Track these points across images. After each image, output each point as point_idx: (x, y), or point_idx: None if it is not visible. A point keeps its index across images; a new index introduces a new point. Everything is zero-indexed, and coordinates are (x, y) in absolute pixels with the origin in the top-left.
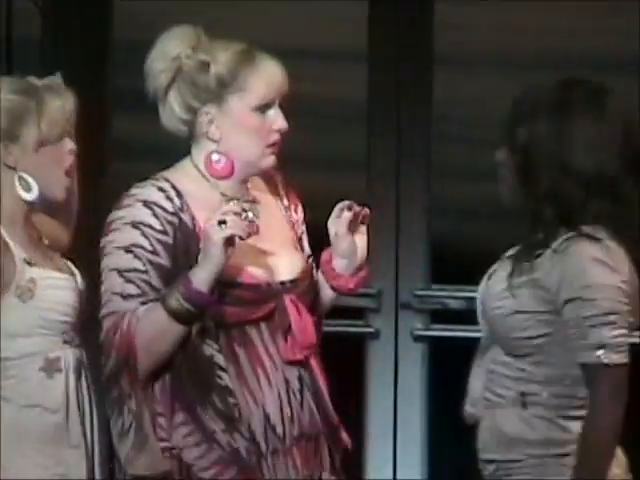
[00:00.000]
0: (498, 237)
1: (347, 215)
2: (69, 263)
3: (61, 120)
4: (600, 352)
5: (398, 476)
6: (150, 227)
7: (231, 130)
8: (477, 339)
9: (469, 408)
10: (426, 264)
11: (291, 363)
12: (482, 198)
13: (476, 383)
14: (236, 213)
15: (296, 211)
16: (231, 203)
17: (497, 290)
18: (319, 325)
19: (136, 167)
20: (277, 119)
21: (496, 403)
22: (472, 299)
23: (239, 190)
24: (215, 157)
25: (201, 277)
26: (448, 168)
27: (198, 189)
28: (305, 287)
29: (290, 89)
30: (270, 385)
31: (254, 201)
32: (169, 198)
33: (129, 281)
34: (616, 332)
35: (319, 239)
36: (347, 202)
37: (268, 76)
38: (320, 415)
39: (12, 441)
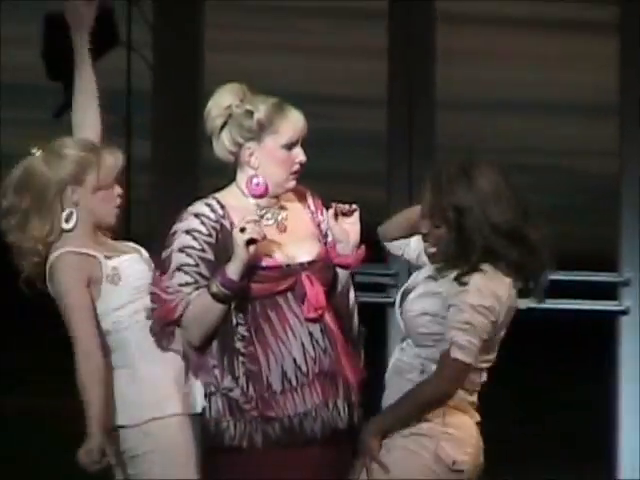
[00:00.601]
0: None
1: (330, 212)
2: (131, 244)
3: (113, 172)
4: (452, 347)
5: None
6: (199, 232)
7: (265, 161)
8: None
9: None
10: None
11: (309, 320)
12: None
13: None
14: (254, 221)
15: (321, 214)
16: (265, 214)
17: (411, 297)
18: (347, 295)
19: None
20: (299, 154)
21: (406, 370)
22: None
23: (268, 202)
24: (255, 180)
25: (232, 269)
26: None
27: (238, 203)
28: (319, 266)
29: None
30: (295, 337)
31: (282, 208)
32: (213, 210)
33: (186, 273)
34: (466, 337)
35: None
36: (333, 204)
37: (294, 122)
38: (334, 357)
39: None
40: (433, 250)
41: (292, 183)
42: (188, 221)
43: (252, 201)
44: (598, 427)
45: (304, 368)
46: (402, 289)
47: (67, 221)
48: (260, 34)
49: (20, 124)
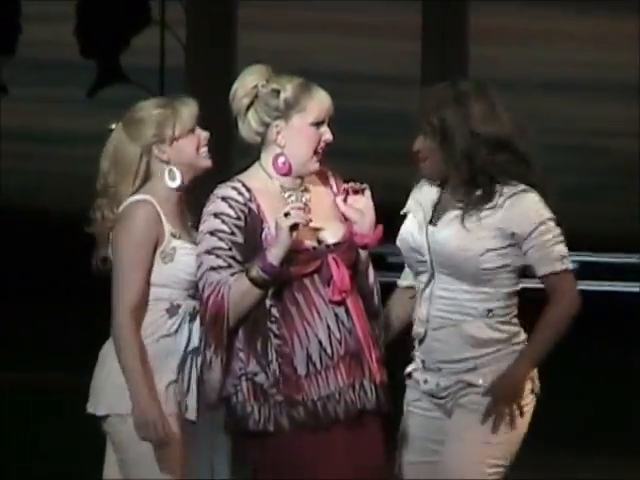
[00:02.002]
0: None
1: (340, 194)
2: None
3: (190, 121)
4: (564, 261)
5: None
6: (228, 215)
7: (293, 139)
8: None
9: (417, 328)
10: None
11: (334, 302)
12: None
13: (420, 310)
14: (299, 208)
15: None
16: (289, 196)
17: (459, 236)
18: (366, 274)
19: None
20: (326, 133)
21: (460, 320)
22: None
23: (293, 183)
24: (281, 159)
25: (274, 254)
26: None
27: (263, 185)
28: (345, 248)
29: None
30: (321, 318)
31: (306, 190)
32: (240, 193)
33: (218, 257)
34: (565, 247)
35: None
36: (344, 185)
37: (321, 101)
38: (359, 337)
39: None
40: (425, 164)
41: (316, 165)
42: (216, 204)
43: (277, 182)
44: None
45: (329, 350)
46: (414, 232)
47: (172, 179)
48: (293, 13)
49: (54, 101)
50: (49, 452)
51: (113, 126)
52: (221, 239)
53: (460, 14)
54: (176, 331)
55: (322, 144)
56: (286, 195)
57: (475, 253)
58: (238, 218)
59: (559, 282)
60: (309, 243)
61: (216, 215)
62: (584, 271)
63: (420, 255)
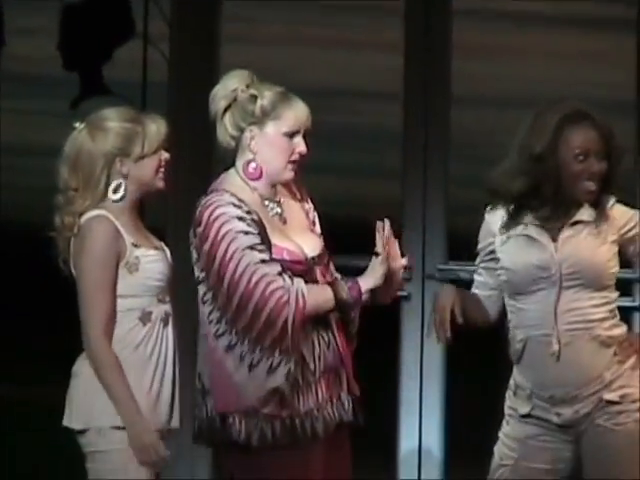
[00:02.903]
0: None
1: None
2: (161, 243)
3: (158, 139)
4: None
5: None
6: (243, 219)
7: (265, 147)
8: None
9: (555, 346)
10: (445, 246)
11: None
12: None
13: (554, 326)
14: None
15: (307, 202)
16: (262, 202)
17: (591, 246)
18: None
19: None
20: (300, 144)
21: (590, 327)
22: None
23: (270, 192)
24: (252, 165)
25: (366, 285)
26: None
27: (247, 196)
28: (325, 260)
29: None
30: (306, 333)
31: (279, 201)
32: (240, 207)
33: (261, 251)
34: None
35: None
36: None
37: (297, 112)
38: (338, 352)
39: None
40: (594, 188)
41: (290, 174)
42: (226, 210)
43: (256, 193)
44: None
45: (312, 366)
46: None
47: (115, 192)
48: (276, 28)
49: (37, 115)
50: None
51: (77, 125)
52: (256, 236)
53: (443, 29)
54: (150, 339)
55: (295, 155)
56: (266, 203)
57: (603, 259)
58: (254, 221)
59: None
60: (300, 253)
61: (240, 218)
62: None
63: (545, 271)
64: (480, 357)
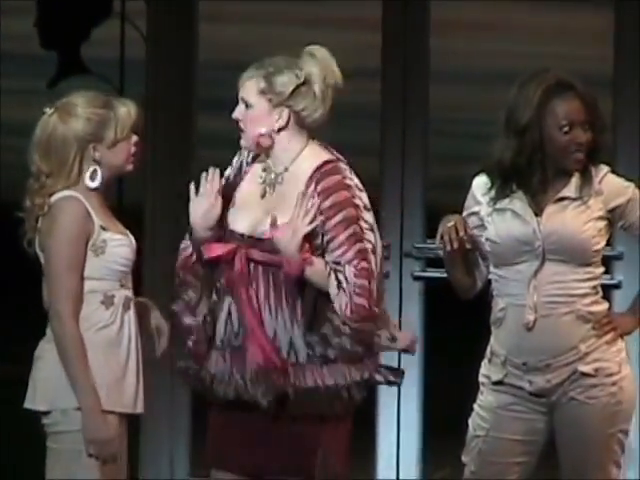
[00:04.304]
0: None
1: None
2: (124, 229)
3: (129, 124)
4: None
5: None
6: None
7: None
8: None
9: (529, 317)
10: (423, 225)
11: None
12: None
13: (531, 298)
14: None
15: (315, 197)
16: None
17: (576, 222)
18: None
19: (216, 154)
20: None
21: (570, 301)
22: None
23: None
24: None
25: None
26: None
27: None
28: (264, 246)
29: None
30: (222, 310)
31: (276, 175)
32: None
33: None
34: None
35: None
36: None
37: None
38: (243, 330)
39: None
40: (582, 157)
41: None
42: (347, 183)
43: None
44: None
45: (222, 338)
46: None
47: (92, 179)
48: (254, 5)
49: (14, 94)
50: None
51: (47, 110)
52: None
53: (421, 6)
54: (113, 322)
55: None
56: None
57: (588, 236)
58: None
59: None
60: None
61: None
62: None
63: (528, 245)
64: (459, 337)
